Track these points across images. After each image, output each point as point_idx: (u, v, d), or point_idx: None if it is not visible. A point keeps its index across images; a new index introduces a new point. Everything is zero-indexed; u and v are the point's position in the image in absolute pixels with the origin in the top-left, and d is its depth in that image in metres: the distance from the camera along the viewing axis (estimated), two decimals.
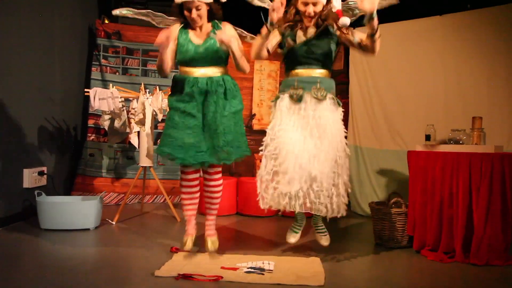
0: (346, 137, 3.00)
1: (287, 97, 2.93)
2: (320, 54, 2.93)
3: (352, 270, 2.81)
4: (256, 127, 5.68)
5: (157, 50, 4.76)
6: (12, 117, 3.78)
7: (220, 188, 3.06)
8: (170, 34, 2.75)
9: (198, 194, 3.09)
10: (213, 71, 2.93)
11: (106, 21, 5.56)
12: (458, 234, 3.02)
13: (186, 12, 2.85)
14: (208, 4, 2.87)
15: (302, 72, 2.96)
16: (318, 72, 2.96)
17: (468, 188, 3.02)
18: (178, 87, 2.93)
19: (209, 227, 3.08)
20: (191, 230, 3.08)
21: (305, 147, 2.81)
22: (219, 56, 2.93)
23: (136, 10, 3.27)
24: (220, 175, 3.04)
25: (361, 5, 2.68)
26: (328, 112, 2.89)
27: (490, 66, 3.86)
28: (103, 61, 5.30)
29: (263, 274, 2.56)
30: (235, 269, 2.65)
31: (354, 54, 4.86)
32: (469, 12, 4.07)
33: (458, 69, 4.05)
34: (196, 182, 3.05)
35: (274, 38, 2.97)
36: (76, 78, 5.10)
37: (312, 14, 2.91)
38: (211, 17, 2.95)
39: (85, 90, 4.45)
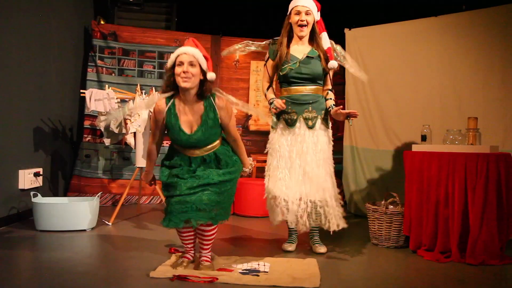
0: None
1: (282, 122, 3.21)
2: (311, 74, 3.15)
3: (349, 270, 2.82)
4: (252, 127, 5.68)
5: (153, 51, 4.78)
6: (7, 118, 3.76)
7: (214, 235, 2.76)
8: (158, 118, 2.63)
9: (195, 235, 2.82)
10: (206, 150, 2.68)
11: (102, 22, 5.55)
12: (454, 234, 3.03)
13: (177, 68, 2.55)
14: (202, 70, 2.60)
15: (295, 89, 3.18)
16: (309, 89, 3.17)
17: (463, 188, 3.03)
18: (174, 158, 2.72)
19: (205, 255, 2.77)
20: (189, 255, 2.83)
21: (300, 171, 3.09)
22: (213, 138, 2.69)
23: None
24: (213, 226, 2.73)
25: (335, 115, 3.08)
26: (317, 139, 3.14)
27: (486, 67, 3.87)
28: (99, 62, 5.29)
29: (258, 275, 2.54)
30: (230, 270, 2.64)
31: (349, 54, 4.85)
32: (465, 13, 4.09)
33: (453, 70, 4.06)
34: (192, 229, 2.79)
35: (266, 81, 3.38)
36: (72, 79, 5.08)
37: (305, 22, 3.10)
38: (200, 91, 2.62)
39: (81, 91, 4.43)
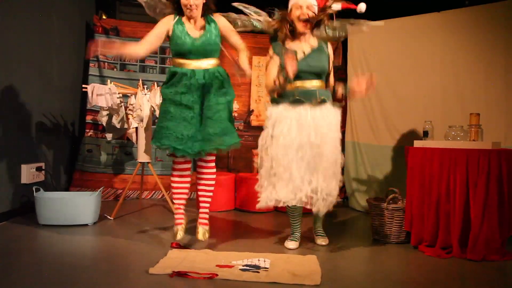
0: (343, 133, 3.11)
1: (287, 101, 3.01)
2: (317, 68, 3.04)
3: (350, 266, 2.82)
4: (254, 123, 5.68)
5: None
6: (10, 112, 3.77)
7: (214, 176, 3.13)
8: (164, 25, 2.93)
9: (189, 184, 3.11)
10: (208, 63, 2.99)
11: (104, 17, 5.54)
12: (455, 230, 3.04)
13: (183, 0, 2.87)
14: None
15: (299, 84, 3.03)
16: (315, 84, 3.06)
17: (465, 184, 3.03)
18: (174, 79, 2.95)
19: (203, 216, 3.09)
20: (181, 220, 3.05)
21: (303, 154, 2.92)
22: (214, 49, 2.99)
23: None
24: (214, 164, 3.10)
25: (354, 87, 2.97)
26: (327, 110, 2.99)
27: (488, 63, 3.86)
28: (100, 57, 5.28)
29: (258, 272, 2.53)
30: (230, 266, 2.62)
31: (352, 50, 4.87)
32: (467, 8, 4.07)
33: (456, 66, 4.05)
34: (188, 172, 3.08)
35: (276, 66, 3.07)
36: (74, 74, 5.09)
37: (306, 16, 2.99)
38: (204, 12, 2.98)
39: (83, 86, 4.44)
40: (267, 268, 2.62)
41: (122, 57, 3.01)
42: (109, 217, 3.99)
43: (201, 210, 3.13)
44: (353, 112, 4.85)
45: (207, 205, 3.13)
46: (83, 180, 5.08)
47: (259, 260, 2.76)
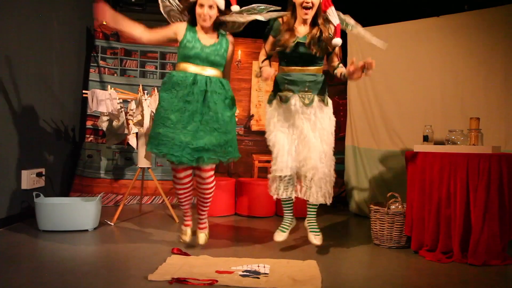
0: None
1: (277, 98, 3.19)
2: (311, 55, 3.10)
3: (350, 270, 2.82)
4: (254, 128, 5.69)
5: (155, 51, 4.86)
6: (10, 118, 3.78)
7: (213, 184, 3.16)
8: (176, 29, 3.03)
9: (191, 188, 3.18)
10: (212, 72, 3.03)
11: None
12: (456, 234, 3.03)
13: (198, 8, 2.96)
14: (219, 10, 3.02)
15: (294, 69, 3.15)
16: (310, 69, 3.15)
17: (465, 188, 3.03)
18: (175, 84, 2.97)
19: (202, 222, 3.25)
20: (189, 222, 3.25)
21: (293, 139, 3.13)
22: (221, 61, 3.07)
23: None
24: (213, 172, 3.12)
25: (349, 72, 2.97)
26: (315, 112, 3.11)
27: (488, 67, 3.87)
28: (101, 63, 5.30)
29: (258, 277, 2.52)
30: (230, 272, 2.61)
31: (351, 54, 4.87)
32: (467, 13, 4.08)
33: (455, 70, 4.06)
34: (190, 178, 3.11)
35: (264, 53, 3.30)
36: (74, 80, 5.10)
37: (310, 4, 3.00)
38: (216, 26, 3.09)
39: (83, 91, 4.44)
40: (267, 273, 2.61)
41: (124, 35, 3.15)
42: (109, 222, 3.99)
43: (200, 216, 3.22)
44: (353, 116, 4.85)
45: (206, 209, 3.22)
46: (83, 186, 5.08)
47: (258, 266, 2.75)
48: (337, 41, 3.04)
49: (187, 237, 3.21)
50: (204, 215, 3.24)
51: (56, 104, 4.61)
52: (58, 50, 4.59)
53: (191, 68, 2.98)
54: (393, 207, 3.43)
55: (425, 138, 3.53)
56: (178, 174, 3.03)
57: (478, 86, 3.91)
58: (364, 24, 4.76)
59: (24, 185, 3.95)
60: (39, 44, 4.23)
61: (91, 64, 5.28)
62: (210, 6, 2.96)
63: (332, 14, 3.07)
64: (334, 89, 5.90)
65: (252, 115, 5.70)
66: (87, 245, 3.30)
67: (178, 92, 2.94)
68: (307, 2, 2.99)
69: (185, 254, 3.01)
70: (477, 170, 2.99)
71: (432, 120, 3.95)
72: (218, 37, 3.09)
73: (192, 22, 3.06)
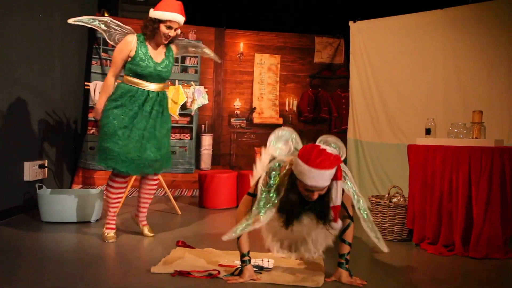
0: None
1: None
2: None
3: (351, 263, 2.82)
4: (256, 120, 5.68)
5: None
6: (12, 110, 3.78)
7: (156, 187, 3.41)
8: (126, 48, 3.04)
9: (123, 194, 3.38)
10: (160, 87, 3.14)
11: (106, 15, 5.54)
12: (458, 228, 3.03)
13: (163, 29, 3.00)
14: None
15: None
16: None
17: (467, 182, 3.02)
18: (124, 98, 3.02)
19: (144, 218, 3.38)
20: (114, 225, 3.26)
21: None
22: (169, 75, 3.19)
23: (94, 18, 3.29)
24: (157, 177, 3.35)
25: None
26: None
27: (491, 60, 3.85)
28: (103, 55, 5.29)
29: (260, 272, 2.51)
30: (232, 266, 2.59)
31: (354, 48, 4.86)
32: (470, 5, 4.06)
33: (458, 63, 4.04)
34: (126, 184, 3.29)
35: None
36: (76, 72, 5.09)
37: (315, 199, 2.23)
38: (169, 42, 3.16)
39: (85, 83, 4.45)
40: (270, 268, 2.58)
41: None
42: None
43: (142, 212, 3.36)
44: (355, 110, 4.85)
45: (147, 206, 3.39)
46: (85, 178, 5.09)
47: (262, 260, 2.70)
48: (336, 226, 2.34)
49: (112, 239, 3.14)
50: (145, 211, 3.38)
51: (59, 96, 4.61)
52: (59, 42, 4.57)
53: (144, 84, 3.05)
54: (395, 200, 3.43)
55: (428, 131, 3.52)
56: (117, 184, 3.16)
57: (481, 79, 3.90)
58: (367, 17, 4.77)
59: (27, 177, 3.96)
60: (42, 36, 4.22)
61: (93, 56, 5.27)
62: (176, 29, 3.05)
63: (337, 190, 2.22)
64: (337, 82, 5.89)
65: (254, 108, 5.70)
66: (89, 237, 3.31)
67: (127, 108, 3.01)
68: (311, 199, 2.22)
69: (190, 246, 3.01)
70: (480, 164, 2.99)
71: (435, 113, 3.94)
72: (165, 50, 3.14)
73: (146, 36, 3.07)
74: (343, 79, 5.79)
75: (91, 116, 5.19)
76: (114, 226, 3.24)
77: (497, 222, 2.96)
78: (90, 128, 5.21)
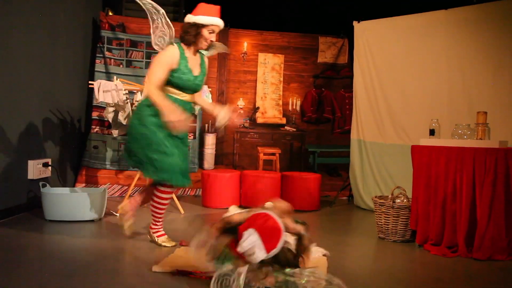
0: None
1: None
2: None
3: (355, 264, 2.82)
4: (259, 120, 5.68)
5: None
6: (16, 109, 3.79)
7: None
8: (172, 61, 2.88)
9: None
10: (192, 97, 3.08)
11: (110, 13, 5.55)
12: (461, 229, 3.03)
13: (206, 34, 2.91)
14: None
15: None
16: None
17: (471, 183, 3.02)
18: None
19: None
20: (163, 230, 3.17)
21: None
22: (200, 88, 3.10)
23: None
24: None
25: None
26: None
27: (496, 61, 3.83)
28: (107, 54, 5.30)
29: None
30: None
31: (358, 48, 4.85)
32: (475, 6, 4.04)
33: (463, 64, 4.03)
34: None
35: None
36: (80, 70, 5.10)
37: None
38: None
39: (89, 82, 4.45)
40: None
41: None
42: (115, 213, 4.00)
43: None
44: (359, 110, 4.84)
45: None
46: (89, 176, 5.11)
47: None
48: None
49: (171, 240, 3.08)
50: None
51: (63, 94, 4.62)
52: (64, 41, 4.58)
53: (182, 94, 2.97)
54: (398, 201, 3.43)
55: (432, 132, 3.51)
56: (168, 195, 3.04)
57: (485, 80, 3.88)
58: (372, 17, 4.76)
59: (31, 175, 3.97)
60: (45, 35, 4.22)
61: (97, 55, 5.28)
62: (217, 34, 2.99)
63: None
64: (340, 82, 5.89)
65: (258, 108, 5.70)
66: (92, 235, 3.32)
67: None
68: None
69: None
70: (484, 165, 2.98)
71: (439, 114, 3.93)
72: (199, 59, 3.05)
73: (185, 43, 2.96)
74: (346, 79, 5.79)
75: (95, 115, 5.21)
76: (164, 232, 3.14)
77: (501, 223, 2.95)
78: (94, 127, 5.22)
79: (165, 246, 3.01)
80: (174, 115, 2.73)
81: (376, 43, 4.68)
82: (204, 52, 3.14)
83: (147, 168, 2.88)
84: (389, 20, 4.60)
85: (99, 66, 5.26)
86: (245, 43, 5.71)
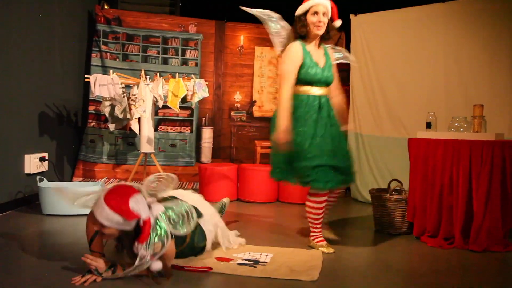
0: None
1: None
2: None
3: (352, 256, 2.83)
4: (256, 114, 5.67)
5: (157, 36, 4.64)
6: (12, 103, 3.77)
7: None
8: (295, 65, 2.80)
9: None
10: (327, 91, 2.94)
11: (106, 7, 5.52)
12: (458, 221, 3.04)
13: (310, 18, 2.79)
14: (330, 19, 2.84)
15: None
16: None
17: (468, 175, 3.03)
18: (303, 108, 2.83)
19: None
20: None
21: None
22: (332, 81, 2.96)
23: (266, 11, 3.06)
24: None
25: None
26: None
27: (492, 54, 3.84)
28: (103, 47, 5.27)
29: (255, 266, 2.49)
30: (228, 260, 2.59)
31: (355, 41, 4.84)
32: None
33: (459, 56, 4.03)
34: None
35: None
36: (76, 64, 5.08)
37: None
38: (327, 37, 2.92)
39: (86, 76, 4.43)
40: (266, 262, 2.56)
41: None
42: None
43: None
44: (356, 103, 4.84)
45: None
46: (86, 171, 5.10)
47: (261, 254, 2.70)
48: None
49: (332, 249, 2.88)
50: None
51: (59, 88, 4.60)
52: (59, 35, 4.56)
53: (312, 91, 2.86)
54: (395, 193, 3.44)
55: (428, 125, 3.52)
56: (323, 198, 2.87)
57: (482, 73, 3.89)
58: (368, 10, 4.74)
59: (27, 170, 3.96)
60: (41, 28, 4.20)
61: (93, 48, 5.25)
62: (324, 13, 2.79)
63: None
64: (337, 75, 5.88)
65: (255, 101, 5.69)
66: None
67: (303, 119, 2.81)
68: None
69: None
70: (480, 157, 2.99)
71: (436, 107, 3.94)
72: (323, 50, 2.94)
73: (302, 38, 2.87)
74: (343, 72, 5.77)
75: (91, 109, 5.19)
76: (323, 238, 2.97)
77: (497, 215, 2.97)
78: (90, 121, 5.20)
79: (323, 252, 2.81)
80: (283, 136, 2.70)
81: (373, 36, 4.68)
82: (334, 54, 3.07)
83: (304, 178, 2.80)
84: (386, 13, 4.59)
85: (95, 60, 5.24)
86: (242, 36, 5.69)
